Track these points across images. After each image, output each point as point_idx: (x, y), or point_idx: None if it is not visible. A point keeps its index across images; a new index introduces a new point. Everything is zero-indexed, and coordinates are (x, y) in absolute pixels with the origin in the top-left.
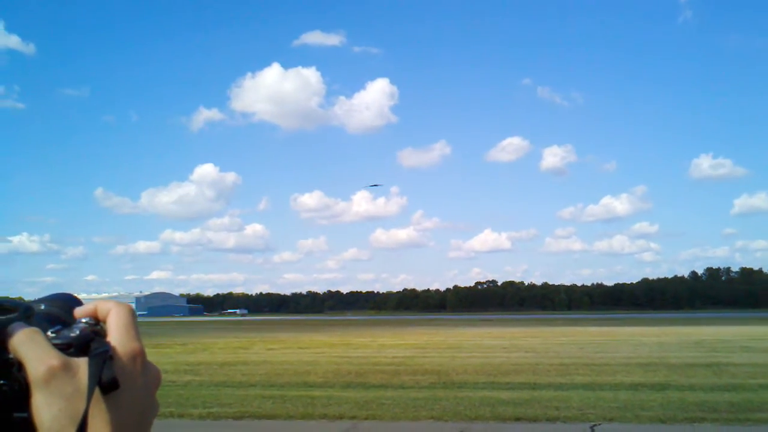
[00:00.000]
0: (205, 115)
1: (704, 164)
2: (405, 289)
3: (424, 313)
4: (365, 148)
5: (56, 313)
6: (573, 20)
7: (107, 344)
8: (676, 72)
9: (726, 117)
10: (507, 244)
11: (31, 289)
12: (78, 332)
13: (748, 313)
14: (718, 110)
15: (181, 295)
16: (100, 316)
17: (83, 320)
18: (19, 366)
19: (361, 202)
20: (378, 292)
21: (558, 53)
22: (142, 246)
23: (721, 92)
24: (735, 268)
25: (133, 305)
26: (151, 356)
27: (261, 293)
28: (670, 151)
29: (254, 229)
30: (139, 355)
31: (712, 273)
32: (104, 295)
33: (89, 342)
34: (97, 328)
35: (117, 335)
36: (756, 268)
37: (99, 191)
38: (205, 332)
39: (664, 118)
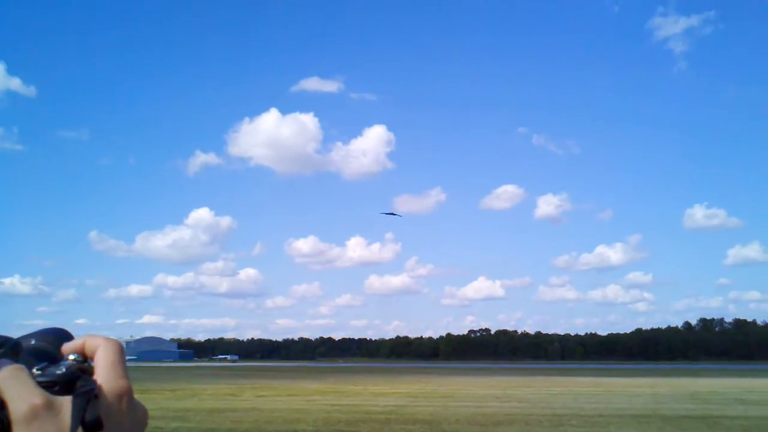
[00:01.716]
0: (202, 159)
1: (698, 214)
2: (398, 337)
3: (417, 361)
4: (361, 194)
5: (45, 349)
6: (569, 69)
7: (93, 382)
8: (671, 122)
9: (720, 167)
10: (501, 292)
11: (20, 332)
12: (64, 369)
13: (741, 365)
14: (712, 160)
15: (172, 340)
16: (88, 352)
17: (71, 356)
18: (1, 404)
19: (356, 248)
20: (370, 339)
21: (554, 102)
22: (134, 290)
23: (716, 142)
24: (728, 319)
25: None
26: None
27: (252, 339)
28: (664, 201)
29: (248, 273)
30: (126, 394)
31: (706, 324)
32: None
33: (75, 380)
34: (84, 365)
35: (104, 373)
36: (749, 319)
37: (93, 234)
38: (195, 378)
39: (658, 168)
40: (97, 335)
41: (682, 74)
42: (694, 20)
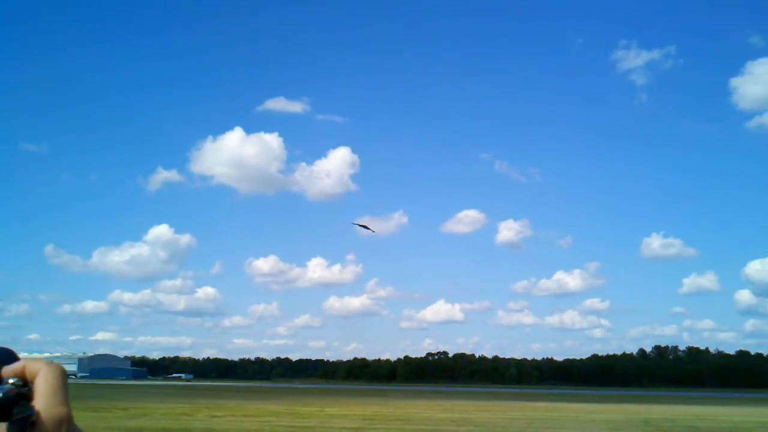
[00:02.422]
0: (164, 176)
1: (655, 243)
2: (355, 358)
3: (374, 383)
4: (323, 215)
5: None
6: (533, 97)
7: (31, 409)
8: (631, 152)
9: (677, 198)
10: (460, 316)
11: None
12: (1, 395)
13: (694, 393)
14: (670, 191)
15: (126, 358)
16: (29, 376)
17: (10, 380)
18: None
19: (316, 269)
20: (328, 361)
21: (517, 129)
22: (89, 306)
23: (674, 174)
24: (682, 347)
25: (75, 366)
26: (91, 420)
27: (208, 358)
28: (623, 230)
29: (206, 292)
30: (65, 421)
31: (661, 351)
32: (46, 354)
33: (12, 405)
34: (23, 390)
35: (43, 399)
36: (702, 347)
37: (50, 248)
38: (148, 397)
39: (618, 197)
40: (38, 359)
41: (643, 106)
42: (655, 54)
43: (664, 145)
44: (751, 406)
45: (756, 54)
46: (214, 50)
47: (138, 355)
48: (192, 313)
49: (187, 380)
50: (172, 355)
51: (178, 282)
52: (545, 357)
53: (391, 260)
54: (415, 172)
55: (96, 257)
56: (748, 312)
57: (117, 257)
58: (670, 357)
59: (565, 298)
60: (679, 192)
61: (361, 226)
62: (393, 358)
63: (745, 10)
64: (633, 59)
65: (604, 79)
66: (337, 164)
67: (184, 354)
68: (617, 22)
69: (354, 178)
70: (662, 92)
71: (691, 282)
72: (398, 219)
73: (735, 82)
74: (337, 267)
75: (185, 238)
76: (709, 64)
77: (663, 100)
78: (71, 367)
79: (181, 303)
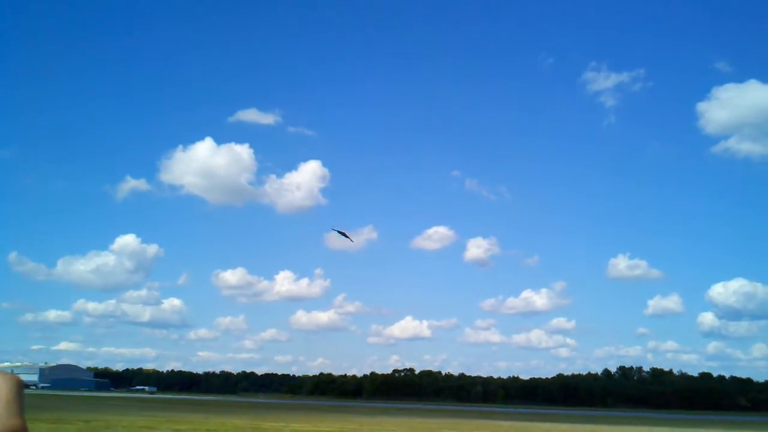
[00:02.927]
0: (132, 184)
1: (621, 264)
2: (321, 374)
3: (340, 400)
4: (293, 228)
5: None
6: (503, 117)
7: None
8: (599, 174)
9: (644, 220)
10: (427, 333)
11: None
12: None
13: (657, 414)
14: (636, 213)
15: (88, 369)
16: None
17: None
18: None
19: (284, 282)
20: (294, 375)
21: (488, 148)
22: (52, 315)
23: (641, 196)
24: (646, 368)
25: (37, 377)
26: None
27: (173, 370)
28: (590, 250)
29: (172, 303)
30: None
31: (625, 371)
32: (6, 364)
33: None
34: None
35: None
36: (666, 369)
37: (13, 255)
38: (110, 409)
39: (585, 218)
40: None
41: (612, 128)
42: (624, 76)
43: (631, 167)
44: (712, 429)
45: (722, 79)
46: (186, 59)
47: (101, 366)
48: (157, 324)
49: (151, 393)
50: (135, 367)
51: (143, 293)
52: (511, 376)
53: (360, 275)
54: (386, 188)
55: (61, 266)
56: (711, 334)
57: (82, 266)
58: (635, 378)
59: (531, 317)
60: (646, 214)
61: (340, 233)
62: (359, 374)
63: (713, 36)
64: (602, 81)
65: (574, 99)
66: (307, 177)
67: (148, 366)
68: (588, 44)
69: (324, 191)
70: (630, 114)
71: (655, 303)
72: (368, 234)
73: (702, 106)
74: (305, 281)
75: (152, 249)
76: (677, 88)
77: (631, 122)
78: (32, 378)
79: (146, 314)
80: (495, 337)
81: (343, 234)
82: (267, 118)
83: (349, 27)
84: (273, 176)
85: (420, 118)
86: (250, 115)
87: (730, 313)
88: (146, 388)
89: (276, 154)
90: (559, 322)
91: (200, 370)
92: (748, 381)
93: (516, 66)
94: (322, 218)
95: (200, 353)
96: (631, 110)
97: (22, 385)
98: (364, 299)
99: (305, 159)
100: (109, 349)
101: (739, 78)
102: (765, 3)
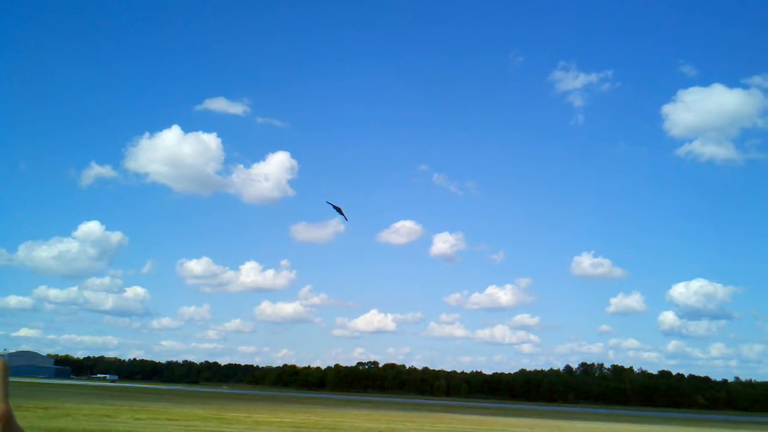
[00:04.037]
0: (97, 171)
1: (585, 262)
2: (285, 365)
3: (303, 391)
4: (259, 218)
5: None
6: (472, 113)
7: None
8: (565, 172)
9: (609, 219)
10: (392, 326)
11: None
12: None
13: (616, 410)
14: (601, 212)
15: (49, 356)
16: None
17: None
18: None
19: (250, 273)
20: (257, 366)
21: (456, 143)
22: (12, 301)
23: (606, 195)
24: (607, 365)
25: None
26: None
27: (135, 359)
28: (555, 247)
29: (135, 291)
30: (3, 418)
31: (586, 368)
32: None
33: None
34: None
35: None
36: (627, 366)
37: None
38: (71, 397)
39: (551, 215)
40: None
41: (579, 127)
42: (593, 77)
43: (598, 166)
44: (670, 426)
45: (688, 83)
46: (155, 46)
47: (62, 353)
48: (120, 312)
49: (112, 381)
50: (97, 355)
51: (106, 280)
52: (474, 370)
53: (326, 268)
54: (354, 181)
55: (22, 251)
56: (671, 333)
57: (44, 252)
58: (596, 374)
59: (496, 313)
60: (610, 213)
61: (335, 207)
62: (323, 366)
63: (680, 40)
64: (571, 81)
65: (543, 98)
66: (275, 168)
67: (110, 354)
68: (557, 44)
69: (292, 183)
70: (598, 115)
71: (618, 302)
72: (335, 227)
73: (667, 109)
74: (270, 272)
75: (116, 236)
76: (644, 90)
77: (599, 122)
78: None
79: (108, 302)
80: (459, 331)
81: (339, 210)
82: (236, 108)
83: (320, 20)
84: (241, 166)
85: (389, 112)
86: (219, 104)
87: (691, 313)
88: (107, 376)
89: (244, 144)
90: (523, 318)
91: (163, 359)
92: (706, 380)
93: (486, 64)
94: (289, 210)
95: (163, 342)
96: (598, 110)
97: (6, 369)
98: (330, 292)
99: (274, 150)
100: (71, 336)
101: (704, 82)
102: (731, 9)
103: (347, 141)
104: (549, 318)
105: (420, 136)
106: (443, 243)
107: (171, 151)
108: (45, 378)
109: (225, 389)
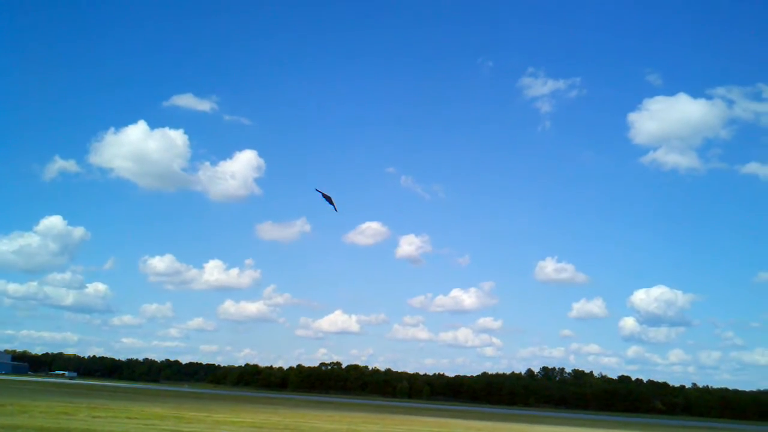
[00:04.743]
0: (60, 165)
1: (549, 267)
2: (247, 365)
3: (265, 391)
4: (225, 216)
5: None
6: (441, 116)
7: None
8: (531, 177)
9: (572, 224)
10: (356, 327)
11: None
12: None
13: (576, 414)
14: (565, 217)
15: (6, 352)
16: None
17: None
18: None
19: (214, 271)
20: (219, 366)
21: (424, 147)
22: None
23: (570, 201)
24: (568, 369)
25: None
26: None
27: (94, 356)
28: (519, 252)
29: (96, 288)
30: None
31: (548, 372)
32: None
33: None
34: None
35: None
36: (587, 370)
37: None
38: (27, 393)
39: (517, 220)
40: None
41: (547, 133)
42: (561, 84)
43: (563, 172)
44: (628, 430)
45: (653, 92)
46: (123, 38)
47: (19, 349)
48: (80, 309)
49: (71, 378)
50: (56, 352)
51: (67, 276)
52: (437, 373)
53: (291, 267)
54: (320, 181)
55: None
56: (631, 339)
57: (4, 246)
58: (556, 378)
59: (459, 316)
60: (575, 219)
61: (324, 196)
62: (286, 367)
63: (647, 50)
64: (539, 87)
65: (511, 104)
66: (242, 166)
67: (69, 351)
68: (526, 50)
69: (259, 181)
70: (565, 121)
71: (580, 307)
72: (301, 226)
73: (633, 117)
74: (235, 271)
75: (79, 231)
76: (610, 98)
77: (565, 128)
78: None
79: (69, 298)
80: (423, 334)
81: (328, 199)
82: (203, 105)
83: (290, 21)
84: (207, 164)
85: (358, 114)
86: (186, 101)
87: (651, 319)
88: (66, 373)
89: (211, 142)
90: (486, 321)
91: (123, 357)
92: (665, 385)
93: (456, 68)
94: (255, 208)
95: (124, 339)
96: (565, 117)
97: None
98: (294, 291)
99: (241, 148)
100: (29, 332)
101: (670, 91)
102: (698, 22)
103: (315, 141)
104: (512, 322)
105: (388, 138)
106: (409, 245)
107: (136, 146)
108: (1, 374)
109: (186, 388)
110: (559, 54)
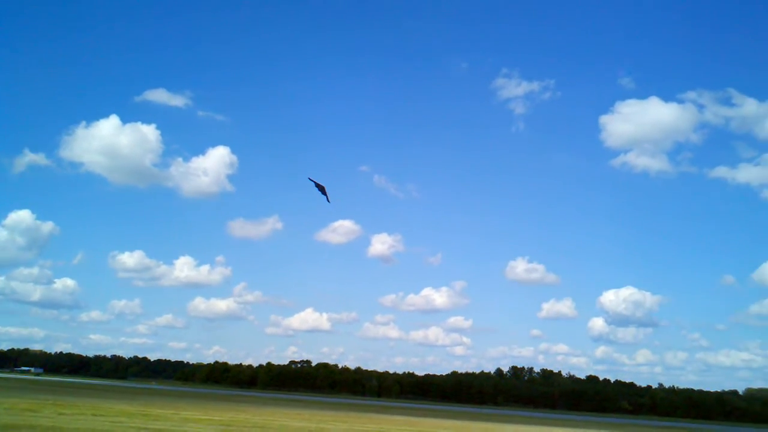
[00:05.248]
0: (30, 158)
1: (519, 267)
2: (216, 362)
3: (234, 389)
4: (196, 213)
5: None
6: (415, 116)
7: None
8: (504, 177)
9: (544, 226)
10: (327, 325)
11: None
12: None
13: (544, 414)
14: (537, 218)
15: None
16: None
17: None
18: None
19: (184, 268)
20: (188, 363)
21: (398, 147)
22: None
23: (543, 202)
24: (537, 369)
25: None
26: None
27: (61, 352)
28: (491, 252)
29: (65, 283)
30: None
31: (517, 371)
32: None
33: None
34: None
35: None
36: (556, 370)
37: None
38: None
39: (489, 220)
40: None
41: (520, 135)
42: (535, 85)
43: (536, 173)
44: (595, 430)
45: (626, 95)
46: (96, 32)
47: None
48: (48, 304)
49: (37, 374)
50: (22, 347)
51: (35, 270)
52: (407, 371)
53: (262, 265)
54: (293, 179)
55: None
56: (600, 339)
57: None
58: (525, 378)
59: (430, 315)
60: (546, 220)
61: (317, 186)
62: (255, 364)
63: (620, 53)
64: (513, 88)
65: (485, 105)
66: (215, 163)
67: (36, 347)
68: (501, 52)
69: (231, 178)
70: (538, 123)
71: (550, 307)
72: (273, 224)
73: (605, 119)
74: (205, 267)
75: (47, 226)
76: (583, 100)
77: (539, 130)
78: None
79: (36, 293)
80: (393, 332)
81: (321, 189)
82: (176, 100)
83: (264, 19)
84: (179, 159)
85: (332, 112)
86: (159, 96)
87: (619, 320)
88: (32, 369)
89: (184, 138)
90: (457, 320)
91: (90, 353)
92: (631, 385)
93: (431, 68)
94: (227, 205)
95: (91, 336)
96: (539, 118)
97: None
98: (265, 289)
99: (214, 144)
100: None
101: (642, 95)
102: (669, 26)
103: (288, 139)
104: (482, 321)
105: (363, 136)
106: (381, 244)
107: (108, 141)
108: None
109: (154, 385)
110: (533, 56)
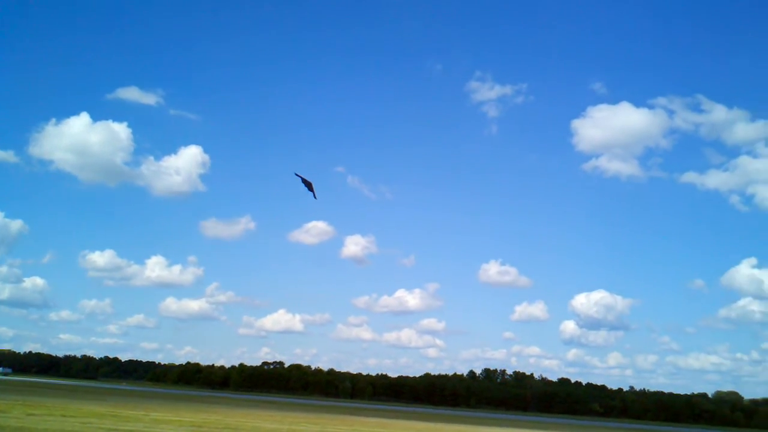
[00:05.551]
0: None
1: (492, 270)
2: (188, 363)
3: (205, 390)
4: (168, 212)
5: None
6: (389, 118)
7: None
8: (477, 180)
9: (516, 228)
10: (300, 327)
11: None
12: None
13: (516, 416)
14: (509, 221)
15: None
16: None
17: None
18: None
19: (155, 268)
20: (159, 363)
21: (373, 148)
22: None
23: (515, 205)
24: (510, 371)
25: None
26: None
27: (30, 352)
28: (464, 254)
29: (34, 282)
30: None
31: (489, 374)
32: None
33: None
34: None
35: None
36: (528, 373)
37: None
38: None
39: (462, 223)
40: None
41: (493, 138)
42: (507, 89)
43: (508, 176)
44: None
45: (597, 100)
46: (68, 28)
47: None
48: (16, 303)
49: (5, 374)
50: None
51: (3, 269)
52: (380, 373)
53: (235, 265)
54: (266, 179)
55: None
56: (571, 342)
57: None
58: (498, 380)
59: (403, 316)
60: (519, 223)
61: (304, 182)
62: (227, 365)
63: (592, 58)
64: (487, 91)
65: (459, 107)
66: (186, 162)
67: (4, 346)
68: (474, 54)
69: (203, 178)
70: (511, 126)
71: (522, 310)
72: (245, 224)
73: (576, 123)
74: (177, 267)
75: (16, 224)
76: (556, 104)
77: (511, 133)
78: None
79: (5, 292)
80: (366, 334)
81: (308, 186)
82: (148, 98)
83: (238, 17)
84: (151, 158)
85: (307, 112)
86: (131, 93)
87: (590, 323)
88: (0, 369)
89: (155, 136)
90: (430, 322)
91: (60, 353)
92: (603, 387)
93: (405, 70)
94: (199, 205)
95: (61, 335)
96: (512, 122)
97: None
98: (238, 289)
99: (186, 143)
100: None
101: (613, 100)
102: (640, 33)
103: (262, 138)
104: (455, 323)
105: (337, 137)
106: (354, 245)
107: (78, 138)
108: None
109: (125, 386)
110: (506, 60)
